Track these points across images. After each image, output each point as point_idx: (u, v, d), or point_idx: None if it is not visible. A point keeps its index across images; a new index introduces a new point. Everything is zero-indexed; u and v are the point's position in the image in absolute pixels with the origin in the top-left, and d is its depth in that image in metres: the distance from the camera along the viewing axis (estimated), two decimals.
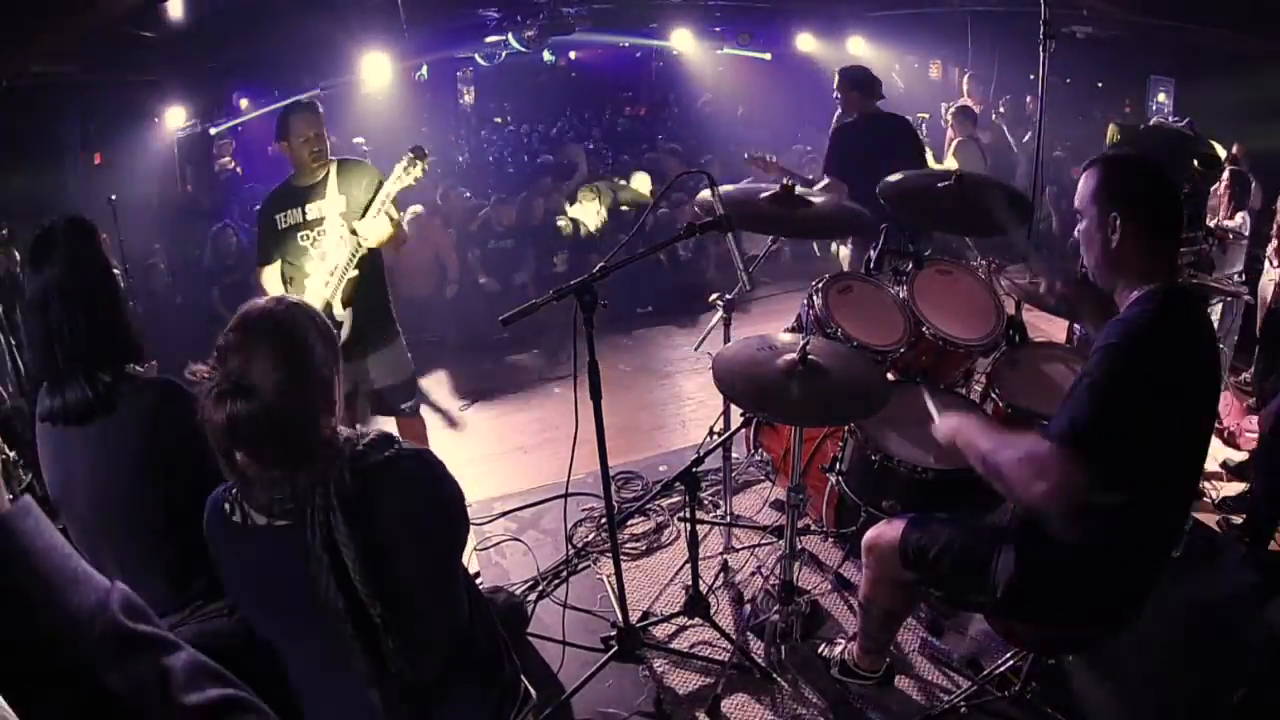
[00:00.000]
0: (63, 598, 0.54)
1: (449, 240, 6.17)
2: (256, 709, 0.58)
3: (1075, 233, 1.85)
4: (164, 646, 0.59)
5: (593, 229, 6.52)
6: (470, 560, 3.10)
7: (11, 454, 2.40)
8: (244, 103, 6.44)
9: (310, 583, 1.28)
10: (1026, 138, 6.34)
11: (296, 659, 1.45)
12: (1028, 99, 6.95)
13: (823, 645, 2.58)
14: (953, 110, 6.07)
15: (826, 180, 3.90)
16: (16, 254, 3.70)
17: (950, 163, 5.75)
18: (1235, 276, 4.06)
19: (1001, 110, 7.09)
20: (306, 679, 1.46)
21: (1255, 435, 3.25)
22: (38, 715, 0.52)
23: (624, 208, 6.74)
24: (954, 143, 5.89)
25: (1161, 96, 6.16)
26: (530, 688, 1.74)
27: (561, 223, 6.45)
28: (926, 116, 7.14)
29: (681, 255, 6.53)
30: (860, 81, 4.05)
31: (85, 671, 0.53)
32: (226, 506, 1.35)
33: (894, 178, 2.86)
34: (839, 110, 4.23)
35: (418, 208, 6.22)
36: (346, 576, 1.28)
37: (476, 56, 7.80)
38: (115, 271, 1.93)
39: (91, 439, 1.79)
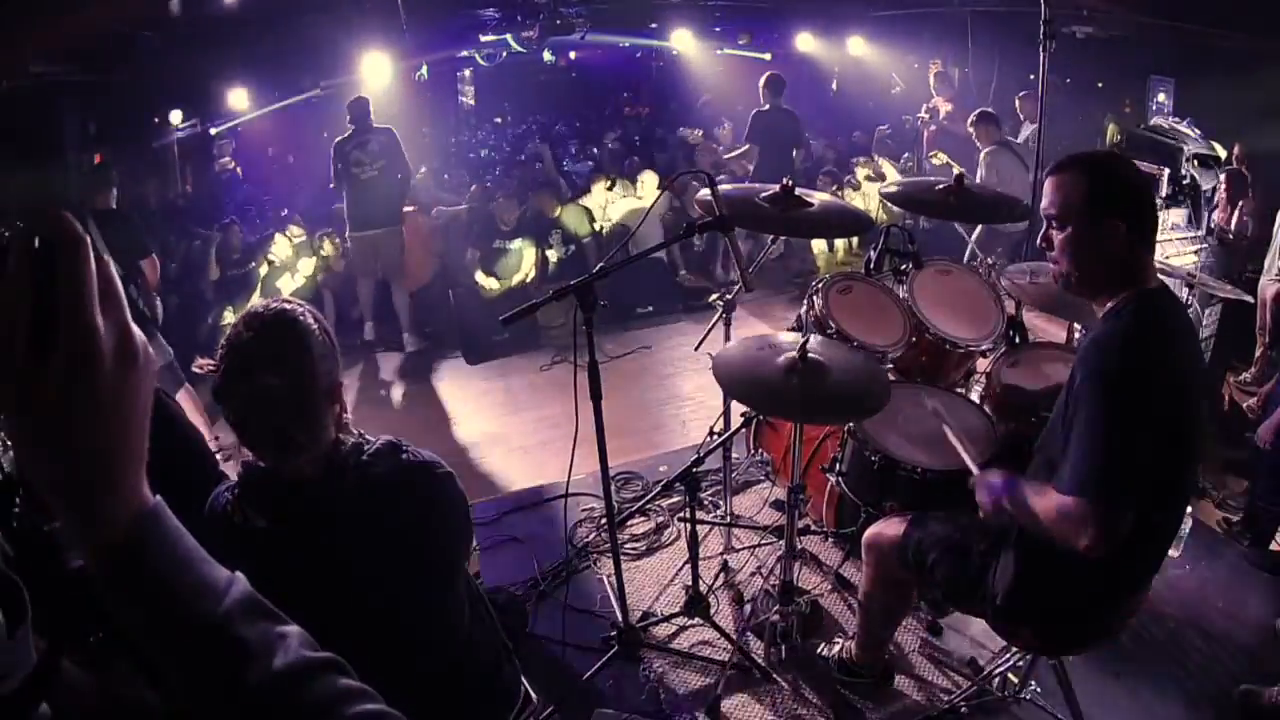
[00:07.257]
0: (204, 568, 0.64)
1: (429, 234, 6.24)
2: (348, 672, 0.66)
3: (1041, 241, 1.74)
4: (281, 618, 0.67)
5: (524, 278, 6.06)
6: (470, 560, 3.10)
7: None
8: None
9: (307, 590, 1.28)
10: (1023, 136, 6.21)
11: None
12: (1017, 98, 6.73)
13: (822, 645, 2.58)
14: (973, 121, 5.67)
15: (746, 146, 6.34)
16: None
17: (982, 174, 5.42)
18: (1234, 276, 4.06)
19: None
20: None
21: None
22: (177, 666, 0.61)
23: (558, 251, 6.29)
24: (985, 153, 5.50)
25: (1161, 96, 6.14)
26: (531, 691, 1.74)
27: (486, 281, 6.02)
28: (926, 117, 7.14)
29: (696, 245, 6.43)
30: (774, 85, 6.30)
31: (224, 627, 0.61)
32: (227, 508, 1.36)
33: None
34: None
35: (409, 206, 6.19)
36: (347, 586, 1.28)
37: (476, 56, 7.80)
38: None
39: None
